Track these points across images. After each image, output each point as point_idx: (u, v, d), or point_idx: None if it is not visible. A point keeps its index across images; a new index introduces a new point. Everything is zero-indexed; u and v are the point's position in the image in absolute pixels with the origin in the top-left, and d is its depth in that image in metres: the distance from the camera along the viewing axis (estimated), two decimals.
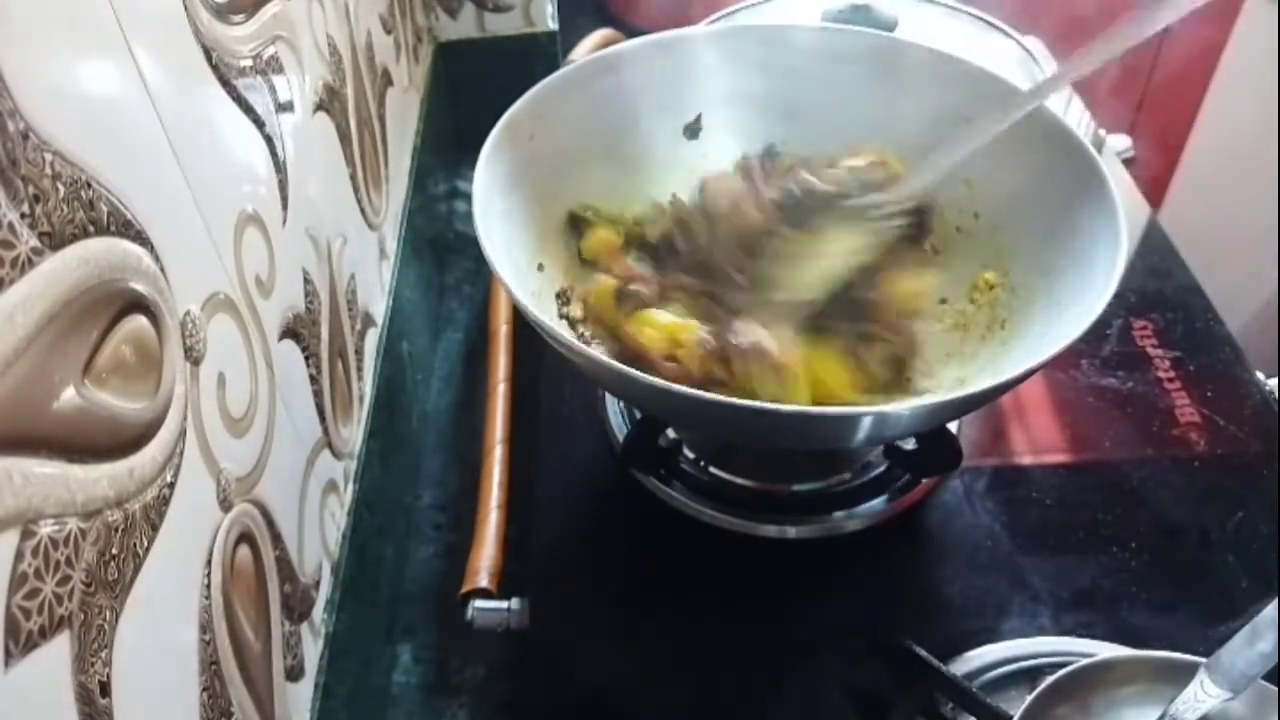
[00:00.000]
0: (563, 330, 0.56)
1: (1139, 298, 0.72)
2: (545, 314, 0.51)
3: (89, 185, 0.30)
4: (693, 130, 0.65)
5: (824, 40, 0.64)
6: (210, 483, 0.38)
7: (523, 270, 0.56)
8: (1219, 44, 1.20)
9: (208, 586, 0.37)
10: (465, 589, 0.60)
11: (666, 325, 0.54)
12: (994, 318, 0.58)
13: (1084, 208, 0.53)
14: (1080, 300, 0.49)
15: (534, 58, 0.97)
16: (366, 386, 0.63)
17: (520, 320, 0.76)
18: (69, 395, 0.28)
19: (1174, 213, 1.27)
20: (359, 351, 0.62)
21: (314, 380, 0.52)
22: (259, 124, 0.46)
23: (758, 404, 0.48)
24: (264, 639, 0.43)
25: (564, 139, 0.60)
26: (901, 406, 0.50)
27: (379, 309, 0.68)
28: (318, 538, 0.52)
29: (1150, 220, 0.79)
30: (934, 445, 0.57)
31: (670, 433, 0.61)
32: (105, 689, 0.29)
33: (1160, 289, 0.73)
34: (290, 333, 0.48)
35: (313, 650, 0.50)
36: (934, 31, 0.81)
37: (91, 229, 0.30)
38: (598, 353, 0.48)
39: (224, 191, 0.41)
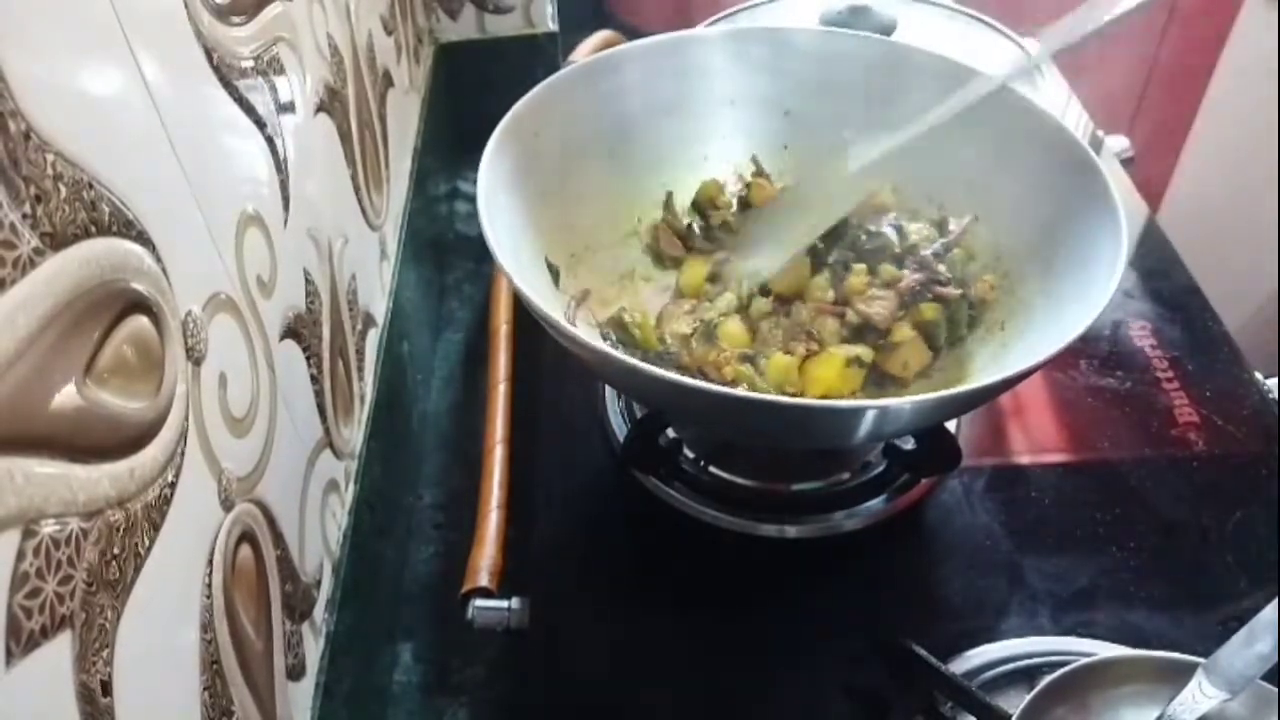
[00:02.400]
0: (567, 323, 0.56)
1: (1138, 298, 0.72)
2: (550, 308, 0.51)
3: (90, 186, 0.30)
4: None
5: (823, 42, 0.64)
6: (211, 482, 0.38)
7: (525, 265, 0.56)
8: (1218, 44, 1.20)
9: (209, 586, 0.37)
10: (465, 588, 0.60)
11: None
12: (994, 318, 0.58)
13: (1083, 209, 0.53)
14: (1079, 300, 0.49)
15: (534, 59, 0.98)
16: (367, 386, 0.63)
17: (520, 320, 0.76)
18: (70, 395, 0.28)
19: (1172, 213, 1.27)
20: (360, 351, 0.62)
21: (315, 380, 0.52)
22: (260, 125, 0.46)
23: (760, 396, 0.49)
24: (265, 638, 0.43)
25: (567, 138, 0.61)
26: (903, 401, 0.50)
27: (380, 309, 0.68)
28: (319, 537, 0.52)
29: (1149, 221, 0.79)
30: (933, 444, 0.57)
31: (670, 432, 0.61)
32: (106, 688, 0.29)
33: (1159, 289, 0.73)
34: (291, 333, 0.49)
35: (314, 649, 0.50)
36: (933, 34, 0.81)
37: (93, 229, 0.30)
38: (602, 345, 0.48)
39: (225, 192, 0.41)
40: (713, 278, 0.62)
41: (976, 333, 0.59)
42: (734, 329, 0.58)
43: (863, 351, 0.55)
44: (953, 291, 0.57)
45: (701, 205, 0.66)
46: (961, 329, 0.58)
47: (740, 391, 0.46)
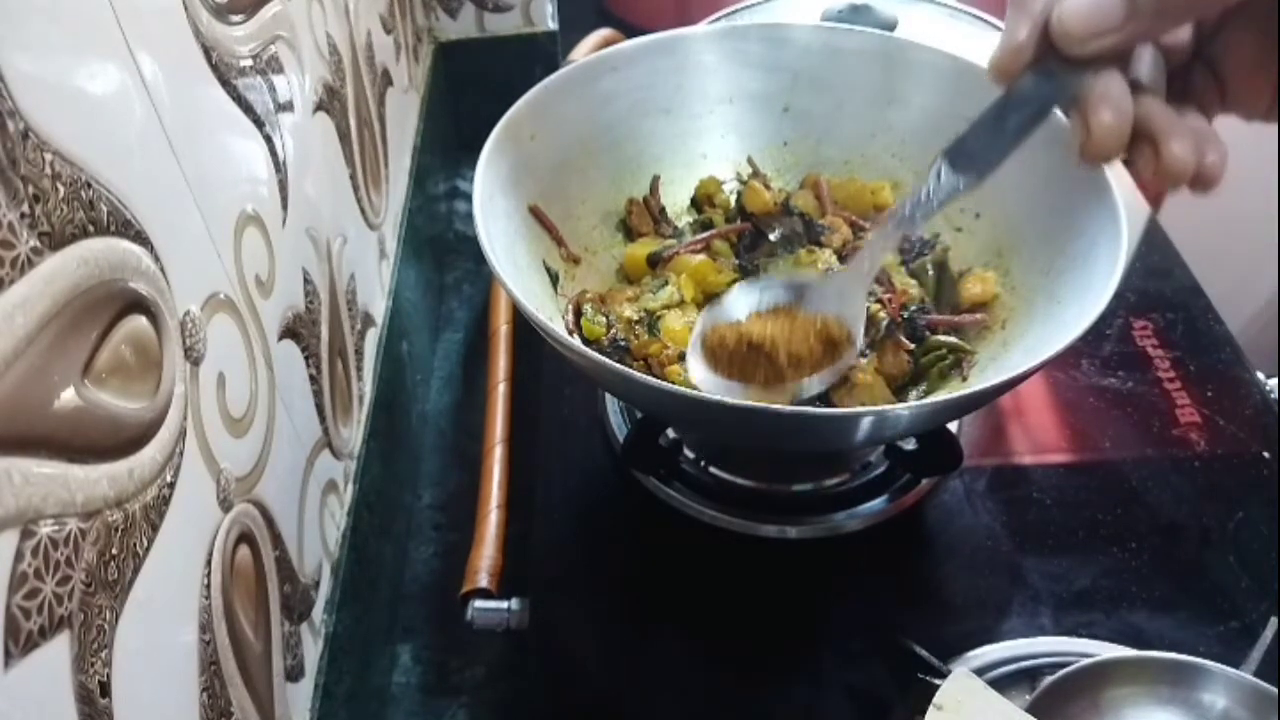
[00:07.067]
0: (562, 330, 0.56)
1: (1139, 297, 0.72)
2: (544, 314, 0.51)
3: (89, 185, 0.30)
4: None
5: (824, 40, 0.64)
6: (210, 483, 0.38)
7: (523, 270, 0.56)
8: None
9: (207, 587, 0.37)
10: (465, 589, 0.60)
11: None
12: (994, 318, 0.58)
13: (1085, 208, 0.53)
14: (1080, 300, 0.49)
15: (534, 58, 0.98)
16: (366, 386, 0.63)
17: (520, 320, 0.76)
18: (69, 395, 0.28)
19: (1174, 213, 1.27)
20: (359, 351, 0.62)
21: (314, 380, 0.52)
22: (259, 124, 0.46)
23: (758, 404, 0.48)
24: (264, 639, 0.43)
25: (564, 139, 0.60)
26: (901, 406, 0.50)
27: (379, 309, 0.68)
28: (318, 538, 0.52)
29: (1150, 220, 0.79)
30: (934, 445, 0.57)
31: (670, 433, 0.61)
32: (105, 689, 0.29)
33: (1160, 289, 0.73)
34: (290, 333, 0.48)
35: (312, 650, 0.50)
36: (934, 31, 0.81)
37: (91, 229, 0.30)
38: (598, 354, 0.48)
39: (224, 191, 0.41)
40: (653, 260, 0.62)
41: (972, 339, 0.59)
42: (676, 326, 0.57)
43: None
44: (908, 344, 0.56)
45: (699, 202, 0.66)
46: (933, 376, 0.56)
47: (735, 400, 0.46)
